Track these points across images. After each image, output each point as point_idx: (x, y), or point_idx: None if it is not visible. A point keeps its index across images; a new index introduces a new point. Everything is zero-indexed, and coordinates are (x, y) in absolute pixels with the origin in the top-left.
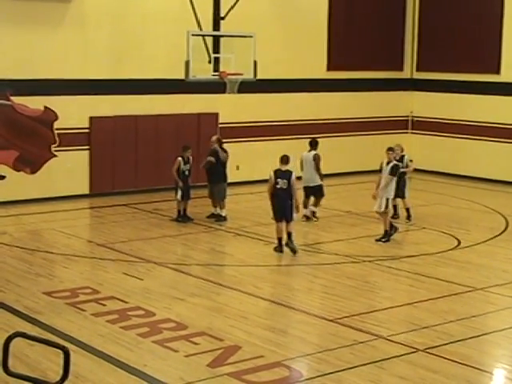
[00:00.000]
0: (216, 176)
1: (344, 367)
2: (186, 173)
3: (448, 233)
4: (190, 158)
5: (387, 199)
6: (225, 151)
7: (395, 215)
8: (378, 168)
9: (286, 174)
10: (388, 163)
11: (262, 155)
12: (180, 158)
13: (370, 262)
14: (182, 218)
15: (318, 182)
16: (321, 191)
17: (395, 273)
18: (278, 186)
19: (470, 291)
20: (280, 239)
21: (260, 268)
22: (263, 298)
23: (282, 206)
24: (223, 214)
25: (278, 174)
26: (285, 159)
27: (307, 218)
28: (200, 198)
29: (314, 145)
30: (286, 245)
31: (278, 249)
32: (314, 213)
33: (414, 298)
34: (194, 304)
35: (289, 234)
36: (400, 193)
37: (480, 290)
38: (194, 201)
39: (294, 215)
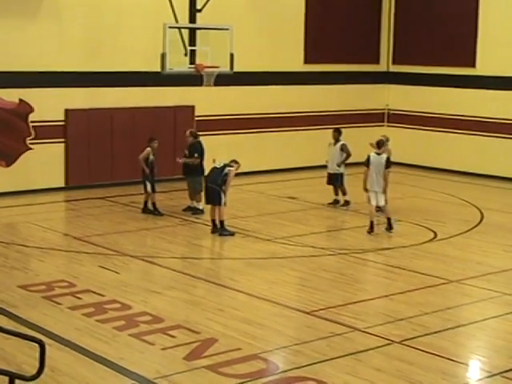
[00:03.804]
0: (192, 169)
1: (320, 359)
2: (153, 164)
3: (424, 225)
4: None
5: (386, 192)
6: (197, 150)
7: (379, 207)
8: (354, 160)
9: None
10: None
11: (238, 148)
12: (149, 149)
13: (346, 254)
14: (154, 211)
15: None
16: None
17: (371, 265)
18: (216, 165)
19: (445, 283)
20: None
21: (236, 261)
22: (240, 290)
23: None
24: (200, 207)
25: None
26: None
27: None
28: (176, 190)
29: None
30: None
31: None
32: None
33: (390, 290)
34: (171, 297)
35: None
36: None
37: (455, 282)
38: (170, 194)
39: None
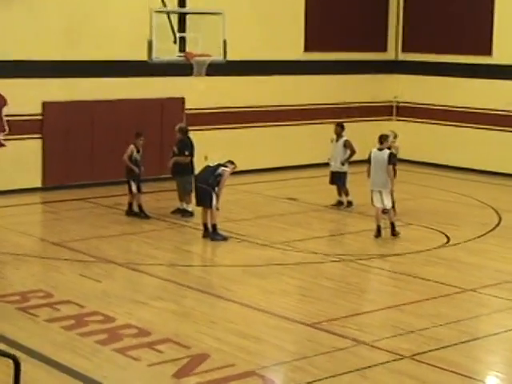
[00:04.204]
0: (181, 168)
1: (323, 376)
2: (138, 163)
3: (436, 229)
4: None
5: (391, 192)
6: (186, 146)
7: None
8: (359, 158)
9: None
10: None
11: (232, 144)
12: (133, 146)
13: (350, 261)
14: (140, 214)
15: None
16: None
17: (378, 273)
18: (209, 164)
19: (459, 292)
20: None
21: (230, 268)
22: (234, 301)
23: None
24: (189, 209)
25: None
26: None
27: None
28: (164, 191)
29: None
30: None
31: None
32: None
33: (398, 300)
34: (158, 308)
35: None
36: None
37: (471, 290)
38: (157, 194)
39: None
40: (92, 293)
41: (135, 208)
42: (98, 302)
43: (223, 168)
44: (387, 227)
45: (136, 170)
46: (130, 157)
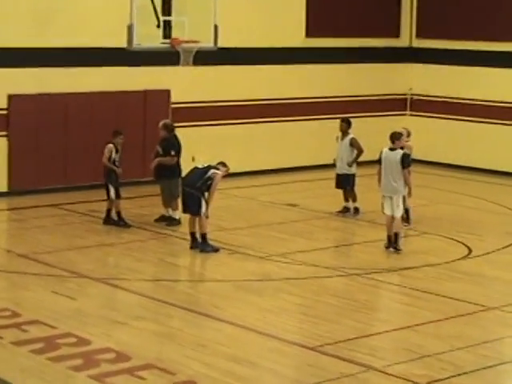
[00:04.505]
0: (167, 170)
1: None
2: (117, 164)
3: (456, 239)
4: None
5: (403, 198)
6: (173, 146)
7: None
8: (368, 158)
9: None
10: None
11: (224, 143)
12: (111, 145)
13: (358, 275)
14: (119, 222)
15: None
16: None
17: (390, 288)
18: (198, 165)
19: (482, 311)
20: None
21: (222, 284)
22: (226, 320)
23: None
24: (176, 217)
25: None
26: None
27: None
28: (147, 196)
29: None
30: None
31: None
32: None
33: (413, 319)
34: (139, 329)
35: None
36: None
37: (495, 309)
38: (140, 200)
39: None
40: (65, 312)
41: (114, 215)
42: (71, 322)
43: (214, 171)
44: (404, 236)
45: (118, 170)
46: (109, 158)
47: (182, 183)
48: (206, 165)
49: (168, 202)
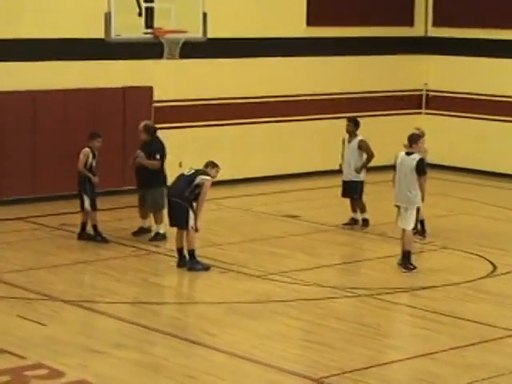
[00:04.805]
0: (151, 176)
1: None
2: (93, 171)
3: (479, 254)
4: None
5: (418, 209)
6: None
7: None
8: (378, 163)
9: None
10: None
11: (214, 146)
12: (88, 149)
13: (368, 296)
14: (95, 236)
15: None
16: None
17: (405, 311)
18: (184, 172)
19: (510, 336)
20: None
21: (213, 306)
22: (218, 348)
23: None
24: (161, 231)
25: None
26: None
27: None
28: (127, 207)
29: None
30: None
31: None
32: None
33: (430, 346)
34: (120, 358)
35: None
36: None
37: None
38: (119, 212)
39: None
40: (34, 339)
41: (90, 229)
42: (42, 351)
43: (202, 177)
44: (420, 251)
45: (94, 179)
46: (85, 164)
47: (168, 193)
48: (192, 170)
49: (147, 212)
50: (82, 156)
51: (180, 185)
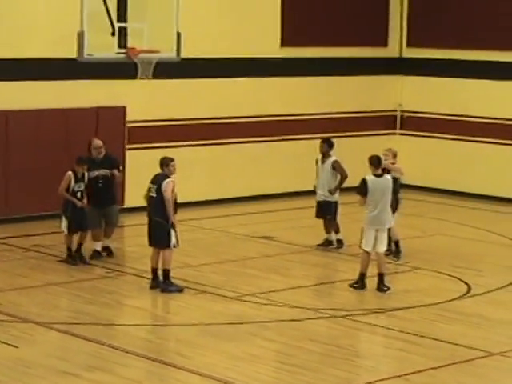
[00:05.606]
0: (110, 194)
1: None
2: (78, 195)
3: (452, 275)
4: (86, 174)
5: (389, 230)
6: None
7: (388, 250)
8: (352, 184)
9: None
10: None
11: (188, 167)
12: (70, 173)
13: (342, 317)
14: (73, 257)
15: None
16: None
17: (379, 332)
18: (150, 194)
19: (483, 357)
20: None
21: (187, 328)
22: (192, 370)
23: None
24: (111, 246)
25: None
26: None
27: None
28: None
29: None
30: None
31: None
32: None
33: (405, 367)
34: (92, 381)
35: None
36: None
37: (498, 354)
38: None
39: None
40: (5, 362)
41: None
42: (13, 373)
43: (164, 182)
44: (394, 272)
45: (78, 203)
46: (68, 188)
47: (148, 214)
48: (155, 186)
49: (102, 232)
50: (65, 178)
51: (155, 204)
